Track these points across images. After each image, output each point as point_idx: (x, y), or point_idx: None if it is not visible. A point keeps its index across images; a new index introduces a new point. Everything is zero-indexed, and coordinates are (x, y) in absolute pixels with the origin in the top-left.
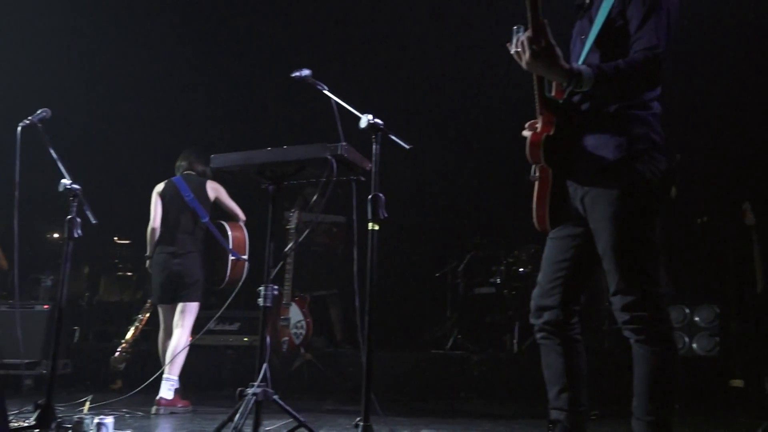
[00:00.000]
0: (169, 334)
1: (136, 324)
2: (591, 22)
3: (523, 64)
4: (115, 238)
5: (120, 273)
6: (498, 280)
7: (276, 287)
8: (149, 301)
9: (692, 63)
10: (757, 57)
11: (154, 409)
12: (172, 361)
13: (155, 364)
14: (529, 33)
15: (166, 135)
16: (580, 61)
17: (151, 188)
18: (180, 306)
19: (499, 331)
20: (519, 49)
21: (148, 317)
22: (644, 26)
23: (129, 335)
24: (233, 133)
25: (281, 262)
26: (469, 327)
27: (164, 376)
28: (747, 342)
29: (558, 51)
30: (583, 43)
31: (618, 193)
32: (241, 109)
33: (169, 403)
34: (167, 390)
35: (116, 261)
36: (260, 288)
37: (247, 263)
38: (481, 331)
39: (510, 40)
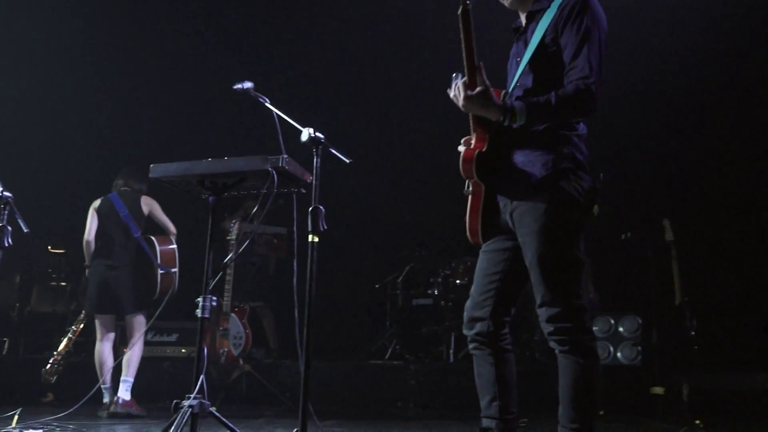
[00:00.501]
0: (105, 345)
1: (69, 335)
2: (526, 45)
3: (460, 106)
4: (49, 248)
5: (53, 283)
6: (435, 292)
7: (215, 298)
8: (84, 312)
9: (616, 89)
10: (677, 82)
11: (112, 407)
12: (128, 365)
13: (88, 377)
14: (465, 79)
15: (103, 144)
16: (514, 81)
17: (87, 197)
18: (126, 319)
19: (436, 341)
20: (456, 93)
21: (82, 328)
22: (578, 56)
23: (61, 347)
24: (174, 145)
25: (220, 273)
26: (407, 337)
27: (122, 378)
28: (666, 351)
29: (492, 92)
30: (518, 65)
31: (544, 209)
32: (182, 121)
33: (127, 404)
34: (125, 391)
35: (50, 271)
36: (198, 299)
37: (176, 275)
38: (418, 341)
39: (449, 86)
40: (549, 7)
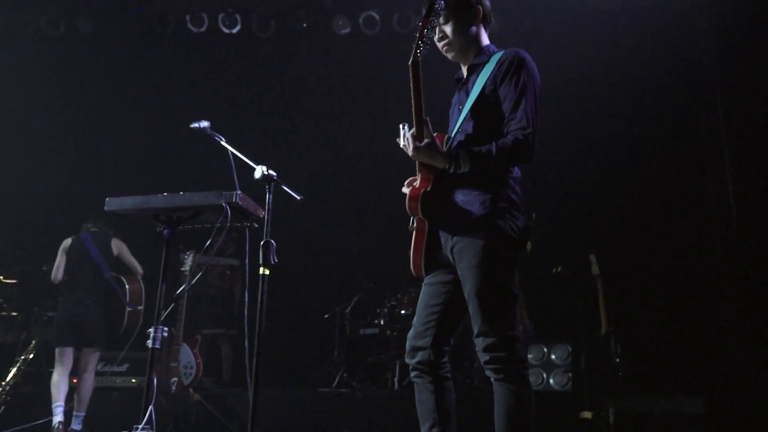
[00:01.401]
0: (63, 375)
1: (18, 365)
2: (467, 94)
3: (410, 155)
4: (1, 278)
5: (4, 313)
6: (381, 322)
7: (166, 329)
8: (33, 341)
9: (549, 135)
10: (602, 129)
11: None
12: (79, 400)
13: (36, 406)
14: (413, 131)
15: (57, 178)
16: (456, 127)
17: (40, 229)
18: (85, 351)
19: (382, 369)
20: (405, 143)
21: (32, 359)
22: (517, 109)
23: (10, 377)
24: (131, 180)
25: (172, 304)
26: (354, 365)
27: (74, 413)
28: (594, 377)
29: (437, 143)
30: (460, 112)
31: (482, 245)
32: (140, 157)
33: None
34: (78, 424)
35: (1, 300)
36: (150, 329)
37: (142, 312)
38: (365, 369)
39: (398, 135)
40: (488, 61)
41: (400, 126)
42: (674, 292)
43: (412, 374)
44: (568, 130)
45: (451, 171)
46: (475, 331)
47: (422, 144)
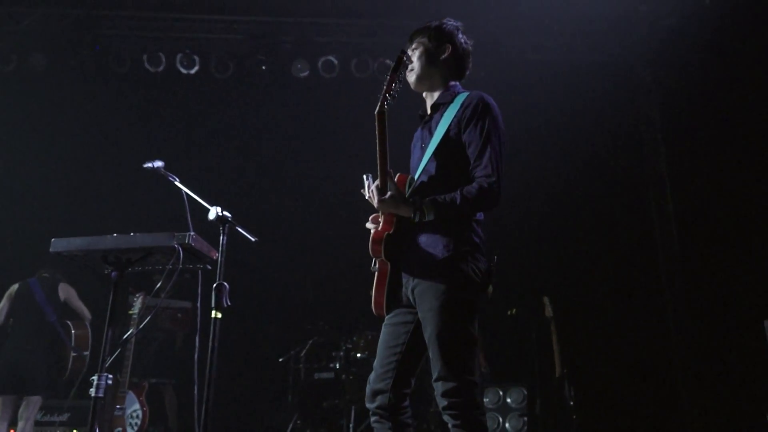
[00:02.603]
0: (1, 425)
1: None
2: (431, 133)
3: (375, 206)
4: None
5: None
6: (337, 366)
7: (110, 376)
8: None
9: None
10: (555, 176)
11: None
12: None
13: None
14: (377, 183)
15: (1, 217)
16: (420, 168)
17: None
18: (24, 399)
19: (337, 415)
20: (371, 195)
21: None
22: (483, 156)
23: None
24: (80, 220)
25: (119, 350)
26: (308, 411)
27: None
28: (549, 421)
29: (402, 194)
30: (423, 151)
31: (444, 288)
32: (93, 197)
33: None
34: None
35: None
36: (93, 377)
37: (87, 357)
38: (320, 415)
39: (362, 186)
40: (452, 102)
41: (364, 177)
42: (626, 336)
43: (372, 419)
44: (524, 175)
45: (417, 220)
46: (434, 375)
47: (387, 196)
